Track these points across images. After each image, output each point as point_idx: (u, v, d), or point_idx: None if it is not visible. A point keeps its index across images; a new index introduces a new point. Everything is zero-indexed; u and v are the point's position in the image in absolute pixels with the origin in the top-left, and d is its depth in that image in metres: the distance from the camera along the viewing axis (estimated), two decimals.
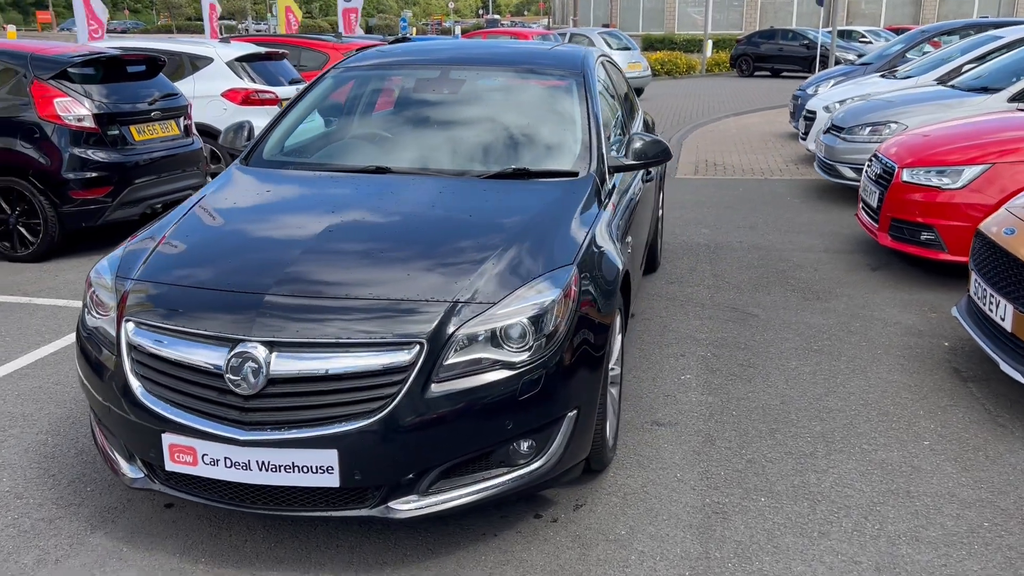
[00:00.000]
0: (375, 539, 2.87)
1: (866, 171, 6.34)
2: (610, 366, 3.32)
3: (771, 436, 3.61)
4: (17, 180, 6.10)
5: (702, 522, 2.99)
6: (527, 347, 2.64)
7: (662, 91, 22.95)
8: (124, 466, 2.78)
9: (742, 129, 14.31)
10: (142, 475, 2.74)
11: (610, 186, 3.69)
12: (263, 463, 2.49)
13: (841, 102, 9.95)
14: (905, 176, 5.72)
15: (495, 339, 2.62)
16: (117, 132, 6.37)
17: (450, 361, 2.55)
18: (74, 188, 6.10)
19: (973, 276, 4.15)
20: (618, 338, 3.45)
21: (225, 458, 2.51)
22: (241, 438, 2.47)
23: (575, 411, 2.79)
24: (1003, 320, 3.78)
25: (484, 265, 2.79)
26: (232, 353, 2.50)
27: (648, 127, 6.05)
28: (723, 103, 19.09)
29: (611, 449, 3.30)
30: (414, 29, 46.26)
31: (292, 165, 3.74)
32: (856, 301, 5.35)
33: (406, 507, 2.57)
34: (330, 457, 2.46)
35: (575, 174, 3.57)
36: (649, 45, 41.75)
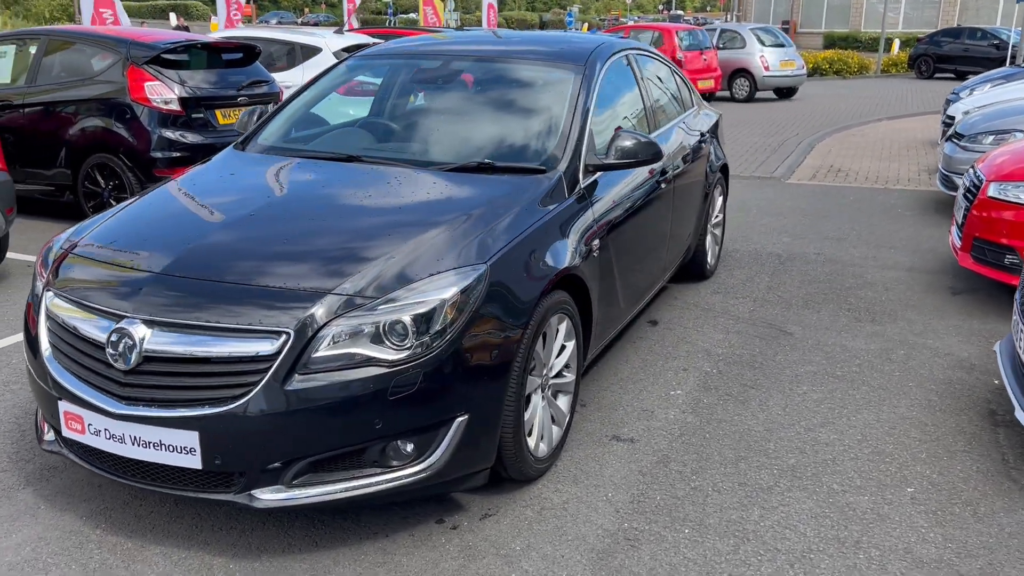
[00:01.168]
0: (269, 526, 2.88)
1: (960, 183, 5.71)
2: (548, 374, 3.18)
3: (734, 464, 3.33)
4: (111, 157, 6.60)
5: (606, 548, 2.80)
6: (407, 346, 2.56)
7: (821, 91, 21.73)
8: (45, 429, 2.94)
9: (890, 134, 13.31)
10: (54, 439, 2.88)
11: (583, 186, 3.51)
12: (135, 438, 2.55)
13: (984, 107, 9.03)
14: (992, 191, 5.11)
15: (377, 335, 2.55)
16: (202, 115, 6.74)
17: (320, 354, 2.51)
18: (159, 166, 6.52)
19: (1016, 306, 3.64)
20: (568, 345, 3.29)
21: (105, 429, 2.59)
22: (115, 411, 2.55)
23: (464, 417, 2.68)
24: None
25: (386, 258, 2.73)
26: (114, 328, 2.58)
27: (715, 130, 5.74)
28: (884, 106, 17.82)
29: (542, 460, 3.15)
30: (585, 25, 46.20)
31: (275, 150, 3.80)
32: (915, 326, 4.84)
33: (269, 497, 2.56)
34: (192, 439, 2.49)
35: (542, 171, 3.42)
36: (831, 43, 39.63)
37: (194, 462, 2.52)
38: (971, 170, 5.62)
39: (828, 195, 8.57)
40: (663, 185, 4.31)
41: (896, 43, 32.52)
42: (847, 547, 2.82)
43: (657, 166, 4.23)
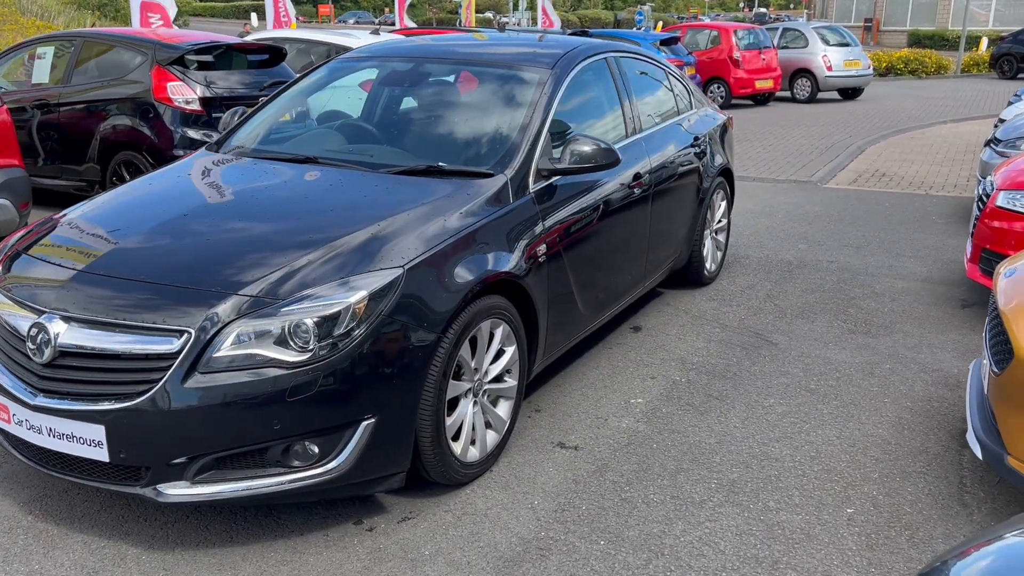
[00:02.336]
0: (192, 520, 2.95)
1: (976, 191, 5.47)
2: (482, 379, 3.18)
3: (672, 477, 3.27)
4: (136, 155, 6.84)
5: (515, 556, 2.78)
6: (309, 348, 2.59)
7: (891, 92, 21.01)
8: None
9: (950, 137, 12.80)
10: None
11: (534, 190, 3.49)
12: (51, 429, 2.65)
13: None
14: (1001, 200, 4.87)
15: (282, 337, 2.60)
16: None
17: (221, 354, 2.56)
18: None
19: (986, 322, 3.47)
20: (508, 350, 3.29)
21: (26, 420, 2.70)
22: (33, 403, 2.66)
23: (372, 420, 2.70)
24: (984, 377, 3.15)
25: (301, 261, 2.77)
26: (34, 323, 2.69)
27: (720, 133, 5.62)
28: (954, 108, 17.14)
29: (472, 465, 3.15)
30: (660, 23, 45.72)
31: (242, 152, 3.89)
32: (909, 340, 4.66)
33: (174, 491, 2.62)
34: (99, 432, 2.58)
35: (489, 175, 3.42)
36: (916, 41, 38.30)
37: (101, 455, 2.60)
38: (988, 178, 5.38)
39: (863, 201, 8.30)
40: (637, 190, 4.25)
41: (984, 41, 31.18)
42: (763, 567, 2.74)
43: (629, 172, 4.17)
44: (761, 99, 17.77)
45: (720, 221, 5.68)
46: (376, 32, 10.58)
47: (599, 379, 4.14)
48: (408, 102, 4.09)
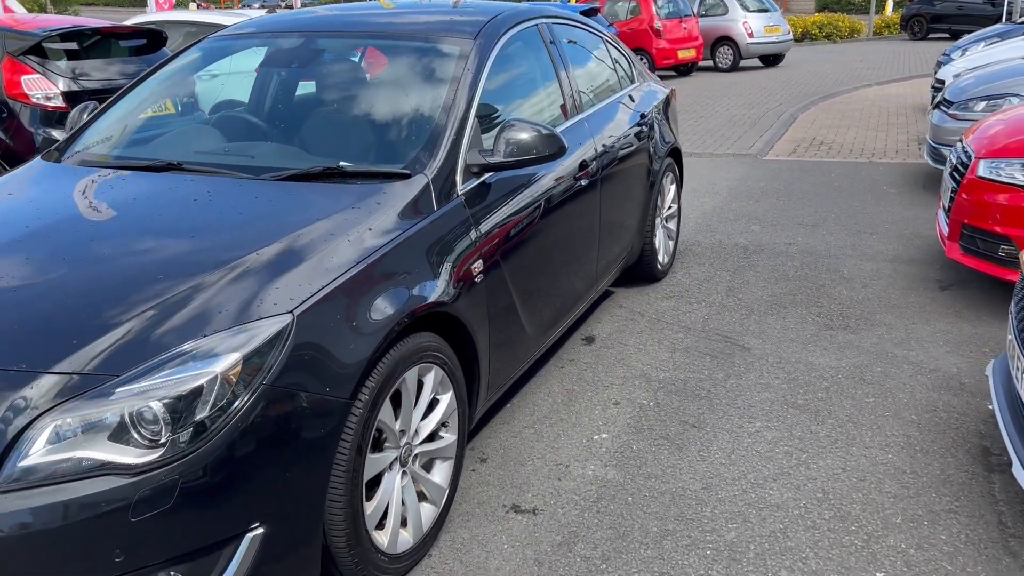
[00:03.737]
0: None
1: (948, 158, 4.96)
2: (412, 441, 2.47)
3: (657, 544, 2.61)
4: None
5: None
6: (160, 443, 1.84)
7: (810, 56, 20.84)
8: None
9: (878, 101, 12.50)
10: None
11: (463, 192, 2.78)
12: None
13: (977, 69, 8.26)
14: (982, 170, 4.36)
15: (120, 428, 1.83)
16: None
17: (30, 461, 1.79)
18: None
19: (1011, 323, 2.91)
20: (443, 398, 2.58)
21: None
22: None
23: (259, 530, 1.97)
24: (1018, 383, 2.58)
25: (143, 316, 2.00)
26: None
27: (665, 108, 4.98)
28: (873, 70, 16.98)
29: (402, 557, 2.44)
30: None
31: (88, 160, 3.06)
32: (895, 333, 4.11)
33: None
34: None
35: (405, 175, 2.69)
36: (824, 7, 38.54)
37: None
38: (959, 144, 4.87)
39: (808, 173, 7.81)
40: (584, 180, 3.57)
41: (890, 4, 31.49)
42: None
43: (574, 159, 3.49)
44: (684, 69, 17.31)
45: (670, 207, 5.05)
46: (273, 11, 9.61)
47: (553, 410, 3.46)
48: (301, 87, 3.32)
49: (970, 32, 24.37)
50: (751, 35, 17.55)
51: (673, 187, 5.05)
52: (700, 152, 8.89)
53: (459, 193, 2.77)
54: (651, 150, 4.52)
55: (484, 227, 2.80)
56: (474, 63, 3.10)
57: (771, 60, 18.59)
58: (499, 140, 2.86)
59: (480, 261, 2.74)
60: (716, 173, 7.90)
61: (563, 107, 3.69)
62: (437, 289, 2.48)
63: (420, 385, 2.49)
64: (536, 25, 3.71)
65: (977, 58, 9.02)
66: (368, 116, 3.03)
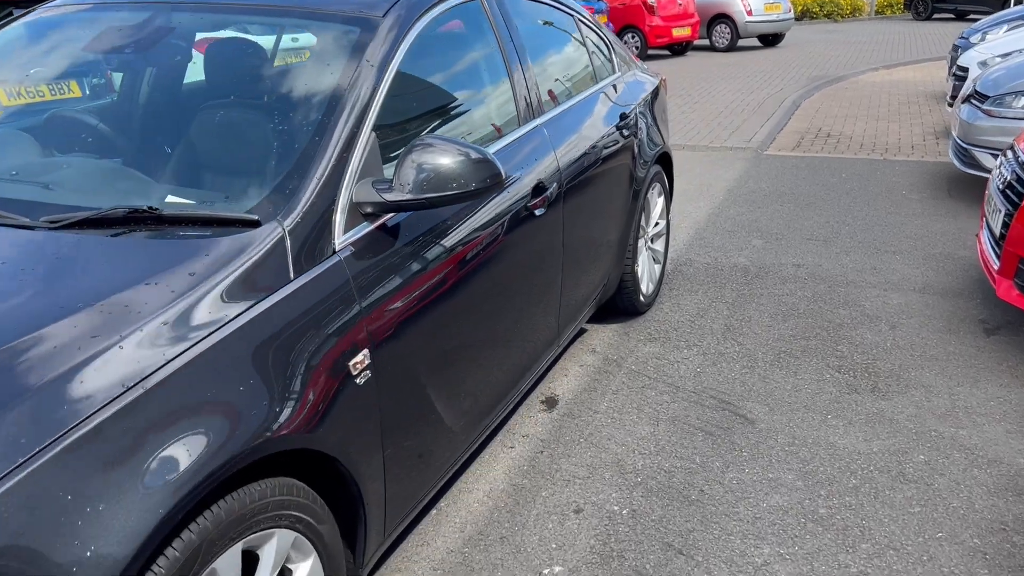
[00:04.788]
0: None
1: (995, 172, 4.08)
2: None
3: None
4: None
5: None
6: None
7: (811, 36, 19.88)
8: None
9: (887, 86, 11.59)
10: None
11: (343, 244, 1.88)
12: None
13: (1007, 56, 7.36)
14: None
15: None
16: None
17: None
18: None
19: None
20: (301, 568, 1.70)
21: None
22: None
23: None
24: None
25: None
26: None
27: (651, 104, 4.07)
28: (880, 51, 16.04)
29: None
30: None
31: None
32: (937, 400, 3.25)
33: None
34: None
35: (252, 223, 1.78)
36: None
37: None
38: (1010, 153, 3.99)
39: (815, 171, 6.91)
40: (541, 210, 2.67)
41: None
42: None
43: (525, 183, 2.59)
44: (678, 49, 16.35)
45: (657, 224, 4.16)
46: None
47: (492, 521, 2.58)
48: (126, 84, 2.39)
49: (976, 13, 23.33)
50: (750, 13, 16.57)
51: (661, 200, 4.15)
52: (694, 145, 7.98)
53: (336, 247, 1.87)
54: (634, 157, 3.61)
55: (374, 295, 1.90)
56: (379, 52, 2.19)
57: (770, 40, 17.64)
58: (404, 167, 1.95)
59: (365, 350, 1.84)
60: (711, 171, 6.99)
61: (516, 109, 2.78)
62: (282, 416, 1.59)
63: (257, 559, 1.61)
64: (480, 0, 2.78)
65: (1001, 43, 8.11)
66: (208, 131, 2.10)
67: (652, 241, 4.15)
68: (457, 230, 2.25)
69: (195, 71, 2.29)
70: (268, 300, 1.67)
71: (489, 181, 2.02)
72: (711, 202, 6.04)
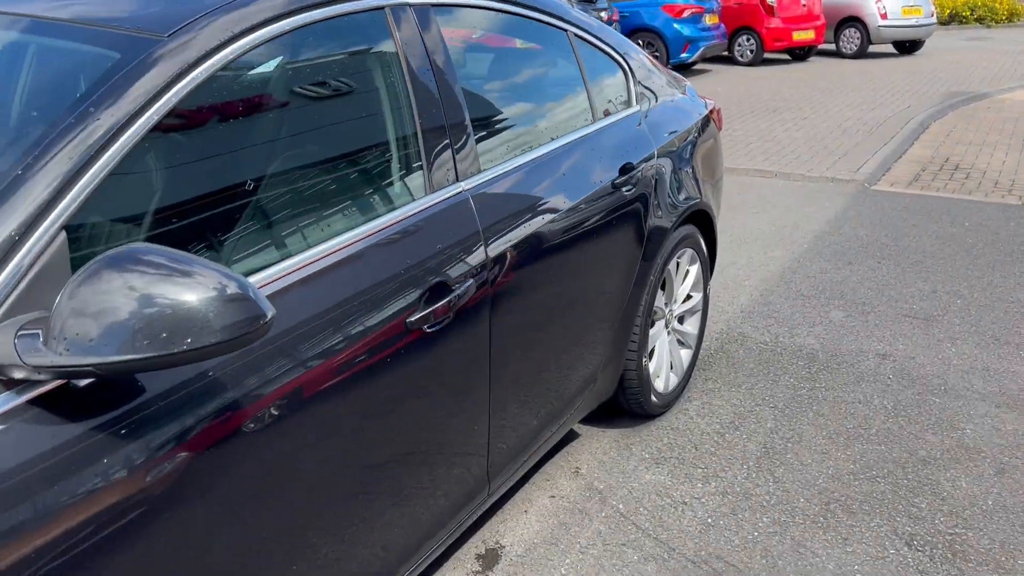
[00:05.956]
0: None
1: None
2: None
3: None
4: None
5: None
6: None
7: (955, 44, 17.93)
8: None
9: None
10: None
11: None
12: None
13: None
14: None
15: None
16: None
17: None
18: None
19: None
20: None
21: None
22: None
23: None
24: None
25: None
26: None
27: (697, 141, 3.12)
28: None
29: None
30: None
31: None
32: None
33: None
34: None
35: None
36: None
37: None
38: None
39: (931, 216, 5.69)
40: (432, 327, 1.79)
41: None
42: None
43: (396, 302, 1.72)
44: (799, 54, 14.92)
45: (689, 299, 3.20)
46: None
47: None
48: None
49: None
50: (884, 16, 14.93)
51: (695, 268, 3.18)
52: (788, 173, 6.84)
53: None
54: (643, 220, 2.67)
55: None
56: (133, 96, 1.36)
57: (907, 47, 15.90)
58: (77, 300, 1.12)
59: None
60: (801, 208, 5.88)
61: (422, 176, 1.90)
62: None
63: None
64: (386, 8, 1.91)
65: None
66: None
67: (680, 321, 3.19)
68: (248, 377, 1.40)
69: None
70: None
71: (239, 330, 1.17)
72: (790, 252, 4.97)
